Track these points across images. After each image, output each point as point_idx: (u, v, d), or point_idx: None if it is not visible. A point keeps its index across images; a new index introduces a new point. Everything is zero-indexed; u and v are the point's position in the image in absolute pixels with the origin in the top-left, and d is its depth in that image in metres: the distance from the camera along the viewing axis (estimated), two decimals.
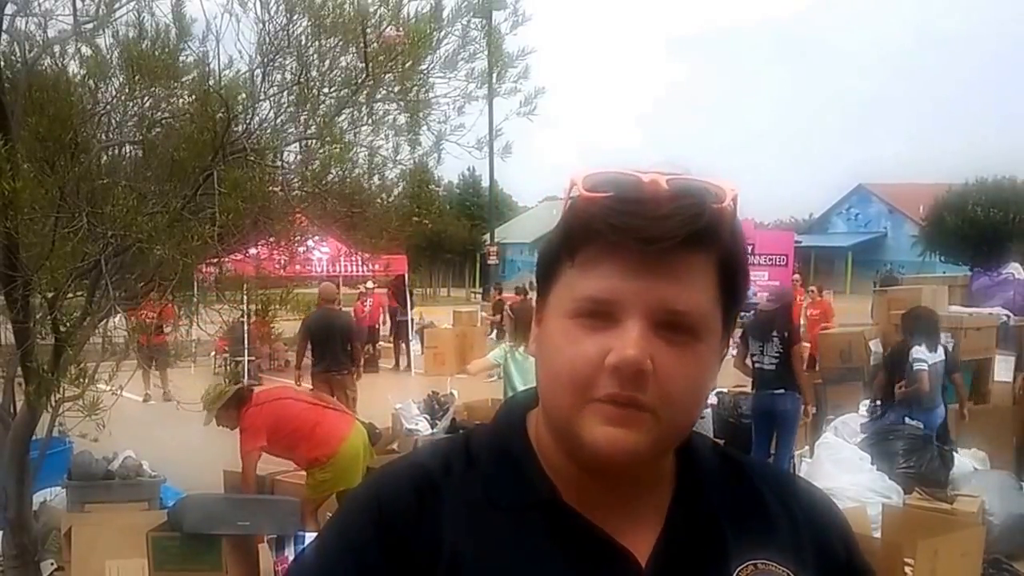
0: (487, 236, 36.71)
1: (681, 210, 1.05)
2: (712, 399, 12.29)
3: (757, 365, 9.86)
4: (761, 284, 28.80)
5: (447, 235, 50.60)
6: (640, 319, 1.06)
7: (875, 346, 12.09)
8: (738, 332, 10.28)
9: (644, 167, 1.10)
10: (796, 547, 1.21)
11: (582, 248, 1.09)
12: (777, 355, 9.65)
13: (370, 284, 21.97)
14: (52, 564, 6.94)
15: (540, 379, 1.16)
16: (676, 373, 1.07)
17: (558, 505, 1.15)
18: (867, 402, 10.67)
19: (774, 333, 9.73)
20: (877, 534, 6.61)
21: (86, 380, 5.28)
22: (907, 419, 9.38)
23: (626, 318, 1.06)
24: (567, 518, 1.15)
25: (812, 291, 22.16)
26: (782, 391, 9.62)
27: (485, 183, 45.06)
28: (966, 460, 8.91)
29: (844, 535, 1.29)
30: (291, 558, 5.98)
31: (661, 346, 1.06)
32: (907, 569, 5.73)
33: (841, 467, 8.09)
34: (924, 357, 9.43)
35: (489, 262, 34.12)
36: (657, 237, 1.04)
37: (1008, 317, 12.82)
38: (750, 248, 27.25)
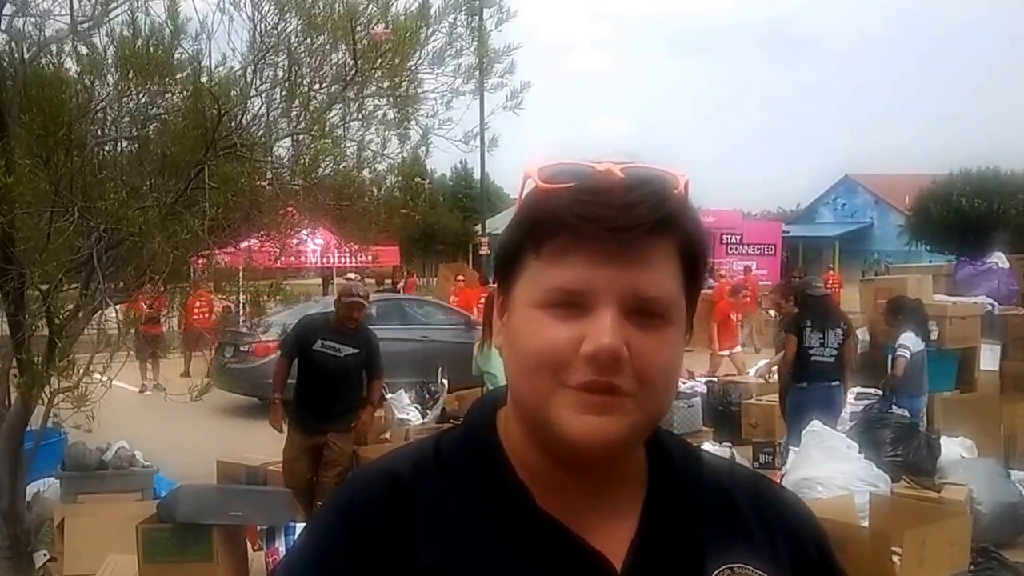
0: (479, 227, 36.66)
1: (646, 197, 1.06)
2: (702, 387, 12.35)
3: (815, 357, 9.21)
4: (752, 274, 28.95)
5: (440, 226, 50.46)
6: (612, 306, 1.05)
7: (863, 335, 12.16)
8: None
9: (594, 157, 1.11)
10: (770, 550, 1.20)
11: (548, 240, 1.08)
12: (837, 346, 9.27)
13: (351, 275, 21.91)
14: (45, 555, 6.94)
15: (510, 370, 1.14)
16: (651, 357, 1.07)
17: (530, 509, 1.13)
18: (856, 390, 10.73)
19: (841, 322, 9.45)
20: (865, 523, 6.57)
21: (76, 372, 5.34)
22: (894, 406, 9.47)
23: (598, 306, 1.06)
24: (540, 522, 1.12)
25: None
26: (837, 383, 9.30)
27: (477, 175, 44.91)
28: (953, 448, 8.91)
29: (817, 537, 1.28)
30: (282, 550, 6.01)
31: (634, 331, 1.06)
32: (895, 558, 5.69)
33: (829, 455, 8.05)
34: (908, 344, 9.53)
35: (481, 252, 34.07)
36: (627, 225, 1.04)
37: (993, 306, 12.94)
38: (739, 238, 27.46)
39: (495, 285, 1.22)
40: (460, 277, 24.98)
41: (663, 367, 1.09)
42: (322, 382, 7.58)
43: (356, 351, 7.68)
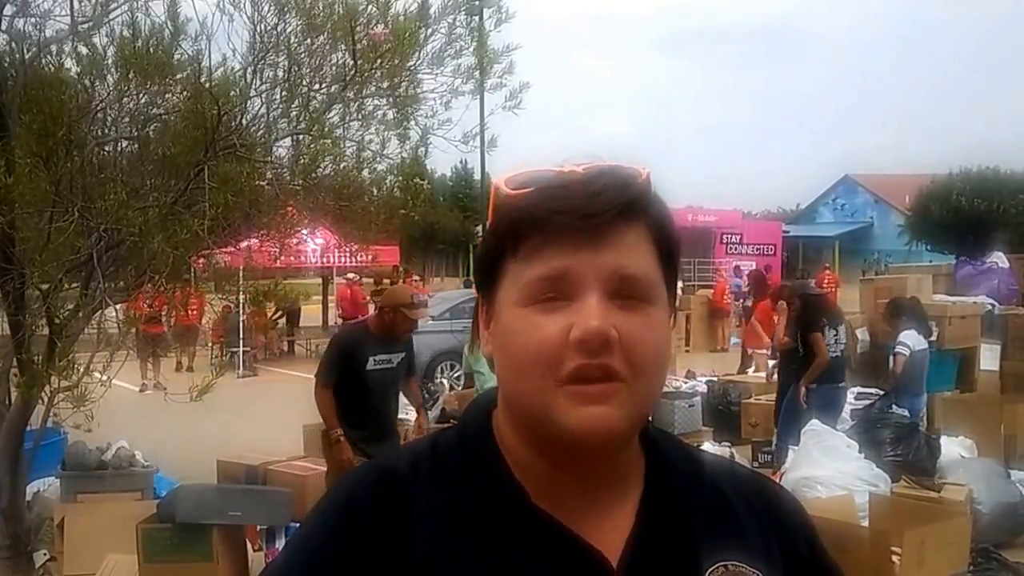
0: (479, 227, 36.75)
1: (610, 185, 1.09)
2: (702, 387, 12.37)
3: (832, 354, 9.14)
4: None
5: (440, 226, 50.52)
6: (595, 290, 1.07)
7: (862, 335, 12.15)
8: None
9: (557, 162, 1.15)
10: (763, 547, 1.21)
11: (524, 240, 1.11)
12: (845, 341, 9.30)
13: (351, 275, 22.00)
14: (45, 554, 6.95)
15: (503, 374, 1.15)
16: (639, 337, 1.08)
17: (526, 507, 1.14)
18: (856, 389, 10.72)
19: (844, 319, 9.41)
20: (865, 523, 6.57)
21: (76, 371, 5.35)
22: (894, 406, 9.47)
23: (581, 291, 1.07)
24: (536, 520, 1.13)
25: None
26: (844, 384, 9.31)
27: (477, 175, 44.94)
28: (953, 448, 8.91)
29: (808, 533, 1.30)
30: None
31: (620, 313, 1.07)
32: (895, 558, 5.70)
33: (829, 455, 8.05)
34: (908, 343, 9.53)
35: None
36: (596, 211, 1.07)
37: (993, 306, 12.94)
38: (739, 237, 27.57)
39: (478, 295, 1.23)
40: (416, 277, 25.40)
41: (652, 348, 1.10)
42: (379, 400, 6.84)
43: (403, 355, 6.97)
